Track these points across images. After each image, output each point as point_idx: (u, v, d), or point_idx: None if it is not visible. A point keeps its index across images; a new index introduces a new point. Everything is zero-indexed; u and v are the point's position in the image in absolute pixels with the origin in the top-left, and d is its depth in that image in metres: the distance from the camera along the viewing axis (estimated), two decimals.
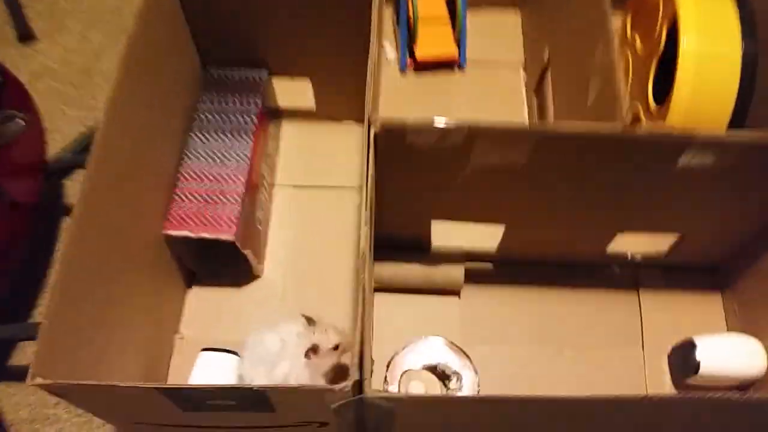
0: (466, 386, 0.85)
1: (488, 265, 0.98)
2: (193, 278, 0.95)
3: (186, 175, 0.87)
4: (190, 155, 0.88)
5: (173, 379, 0.86)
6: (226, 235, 0.83)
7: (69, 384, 0.53)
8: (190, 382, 0.80)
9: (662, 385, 0.89)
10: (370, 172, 0.65)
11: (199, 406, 0.60)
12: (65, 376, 0.54)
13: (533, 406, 0.59)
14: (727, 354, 0.84)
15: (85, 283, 0.63)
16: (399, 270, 0.92)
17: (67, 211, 1.02)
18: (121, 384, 0.53)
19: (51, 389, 0.54)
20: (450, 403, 0.62)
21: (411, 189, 0.79)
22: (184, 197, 0.85)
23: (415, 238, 0.92)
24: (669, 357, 0.90)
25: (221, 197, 0.85)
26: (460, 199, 0.80)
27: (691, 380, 0.85)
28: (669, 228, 0.87)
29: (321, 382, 0.76)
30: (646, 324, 0.93)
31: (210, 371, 0.80)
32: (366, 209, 0.61)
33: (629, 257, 0.95)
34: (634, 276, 0.97)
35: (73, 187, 1.05)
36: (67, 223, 0.58)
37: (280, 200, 1.02)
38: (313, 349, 0.74)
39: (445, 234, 0.93)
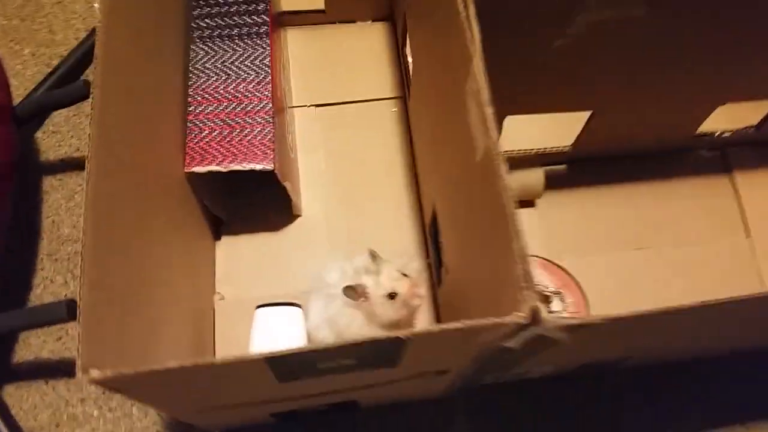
0: (572, 305, 0.73)
1: (563, 167, 0.84)
2: (220, 227, 0.78)
3: (198, 98, 0.69)
4: (198, 73, 0.70)
5: (223, 347, 0.71)
6: (264, 164, 0.66)
7: (138, 373, 0.38)
8: (254, 346, 0.65)
9: None
10: (475, 34, 0.48)
11: (304, 372, 0.45)
12: (116, 363, 0.39)
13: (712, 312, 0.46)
14: None
15: (118, 245, 0.47)
16: None
17: (46, 169, 0.83)
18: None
19: (110, 383, 0.39)
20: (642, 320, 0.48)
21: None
22: (201, 125, 0.68)
23: None
24: None
25: (247, 119, 0.68)
26: (547, 79, 0.66)
27: None
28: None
29: (375, 329, 0.62)
30: (747, 208, 0.82)
31: (276, 330, 0.65)
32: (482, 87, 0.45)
33: (717, 135, 0.82)
34: (724, 158, 0.85)
35: (48, 141, 0.85)
36: (86, 179, 0.40)
37: (301, 124, 0.85)
38: (391, 295, 0.60)
39: (515, 134, 0.79)
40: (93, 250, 0.41)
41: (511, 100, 0.69)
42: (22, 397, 0.70)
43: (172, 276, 0.60)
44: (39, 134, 0.85)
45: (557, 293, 0.73)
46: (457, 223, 0.57)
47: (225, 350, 0.71)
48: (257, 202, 0.77)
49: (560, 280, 0.73)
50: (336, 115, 0.86)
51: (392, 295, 0.60)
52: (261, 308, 0.67)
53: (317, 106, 0.86)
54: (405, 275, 0.61)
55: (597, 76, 0.66)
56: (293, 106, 0.85)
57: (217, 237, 0.78)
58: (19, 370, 0.73)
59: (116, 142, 0.49)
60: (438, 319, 0.73)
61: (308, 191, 0.81)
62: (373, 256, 0.62)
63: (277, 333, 0.65)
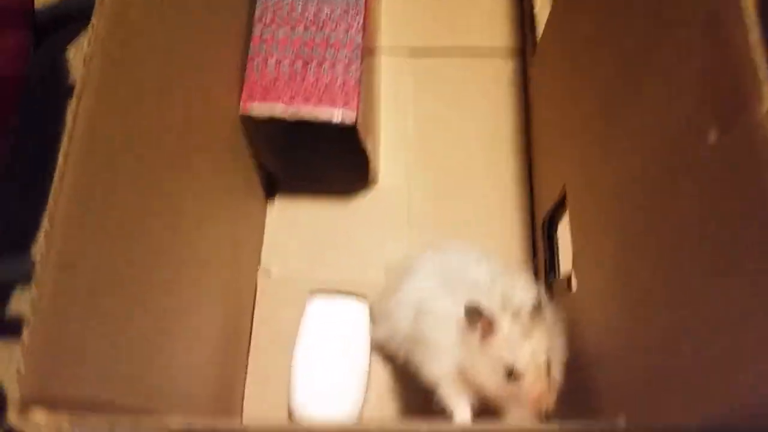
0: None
1: None
2: (274, 185, 0.63)
3: (270, 15, 0.53)
4: None
5: (262, 339, 0.57)
6: (344, 114, 0.50)
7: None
8: (301, 346, 0.51)
9: None
10: None
11: None
12: (84, 392, 0.24)
13: None
14: None
15: (111, 207, 0.32)
16: None
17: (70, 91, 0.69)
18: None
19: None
20: None
21: None
22: (269, 53, 0.52)
23: None
24: None
25: (329, 52, 0.52)
26: None
27: None
28: None
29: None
30: None
31: (332, 330, 0.50)
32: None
33: None
34: None
35: (79, 58, 0.71)
36: (73, 110, 0.23)
37: (389, 73, 0.68)
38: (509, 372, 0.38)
39: None
40: (68, 212, 0.26)
41: None
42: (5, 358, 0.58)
43: (202, 245, 0.45)
44: (70, 49, 0.71)
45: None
46: (626, 231, 0.38)
47: (264, 344, 0.57)
48: (325, 159, 0.62)
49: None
50: (434, 67, 0.68)
51: (511, 373, 0.38)
52: (316, 298, 0.52)
53: (411, 52, 0.69)
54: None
55: None
56: (381, 48, 0.68)
57: (269, 196, 0.63)
58: (9, 327, 0.60)
59: (134, 59, 0.33)
60: None
61: (389, 157, 0.64)
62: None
63: (333, 334, 0.50)
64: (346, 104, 0.50)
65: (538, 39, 0.59)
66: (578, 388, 0.39)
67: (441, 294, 0.43)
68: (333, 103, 0.50)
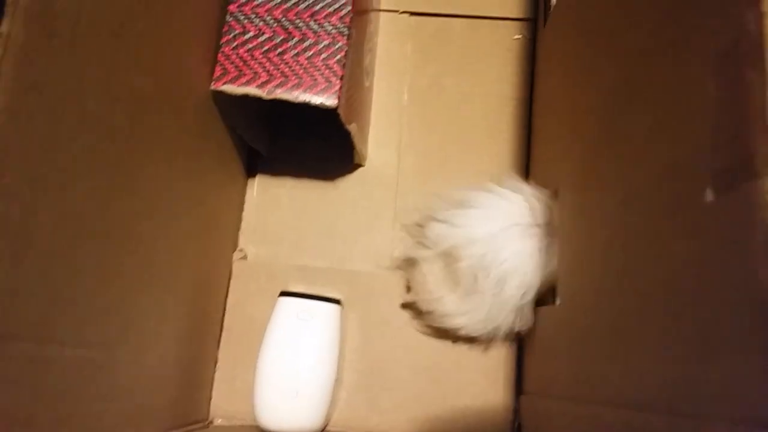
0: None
1: None
2: (256, 160, 0.59)
3: None
4: None
5: (233, 326, 0.54)
6: (325, 98, 0.45)
7: None
8: (266, 348, 0.48)
9: None
10: None
11: None
12: None
13: None
14: None
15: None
16: None
17: None
18: None
19: None
20: None
21: None
22: (246, 23, 0.47)
23: None
24: None
25: (312, 25, 0.47)
26: None
27: None
28: None
29: None
30: None
31: (298, 337, 0.47)
32: None
33: None
34: None
35: None
36: None
37: (386, 37, 0.62)
38: None
39: None
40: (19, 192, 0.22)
41: None
42: None
43: (169, 226, 0.41)
44: None
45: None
46: (607, 260, 0.35)
47: (236, 332, 0.54)
48: (309, 137, 0.57)
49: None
50: (435, 32, 0.62)
51: None
52: (285, 297, 0.49)
53: (412, 14, 0.62)
54: None
55: None
56: (379, 10, 0.62)
57: (250, 173, 0.59)
58: None
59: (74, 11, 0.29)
60: (518, 385, 0.52)
61: (379, 133, 0.60)
62: None
63: (298, 341, 0.47)
64: (328, 86, 0.45)
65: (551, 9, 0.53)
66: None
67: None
68: (314, 85, 0.45)
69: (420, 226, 0.50)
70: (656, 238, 0.26)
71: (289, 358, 0.46)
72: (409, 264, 0.51)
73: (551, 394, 0.42)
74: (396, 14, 0.62)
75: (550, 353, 0.44)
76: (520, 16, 0.61)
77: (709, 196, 0.22)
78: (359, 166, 0.58)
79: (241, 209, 0.58)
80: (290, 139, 0.58)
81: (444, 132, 0.59)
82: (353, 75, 0.49)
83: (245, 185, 0.58)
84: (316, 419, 0.46)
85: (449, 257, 0.45)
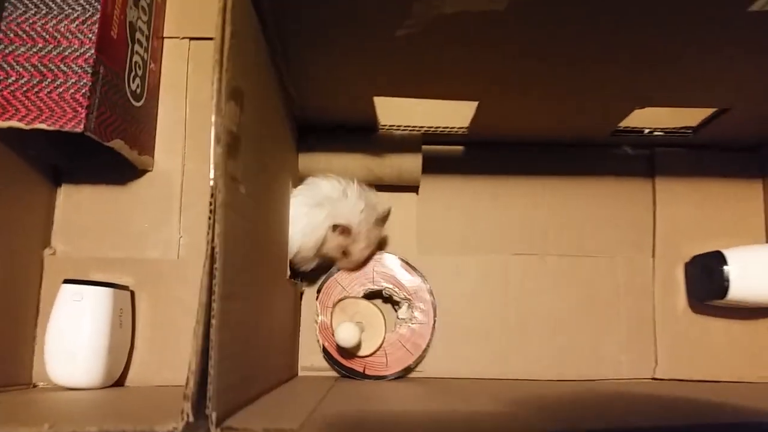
0: (420, 314, 0.66)
1: (457, 149, 0.73)
2: (61, 173, 0.71)
3: (11, 34, 0.59)
4: (15, 3, 0.60)
5: (48, 310, 0.67)
6: (73, 125, 0.58)
7: None
8: (51, 319, 0.61)
9: (674, 307, 0.70)
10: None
11: None
12: None
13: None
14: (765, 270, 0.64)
15: None
16: (334, 161, 0.68)
17: None
18: None
19: None
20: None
21: (347, 50, 0.52)
22: (9, 69, 0.58)
23: (357, 116, 0.66)
24: (687, 269, 0.69)
25: (62, 67, 0.59)
26: (400, 67, 0.54)
27: (715, 302, 0.65)
28: (710, 100, 0.62)
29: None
30: (660, 223, 0.71)
31: (79, 315, 0.60)
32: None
33: (646, 133, 0.70)
34: (650, 159, 0.73)
35: None
36: None
37: (171, 60, 0.74)
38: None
39: (397, 110, 0.68)
40: None
41: (370, 81, 0.59)
42: None
43: None
44: None
45: (407, 300, 0.66)
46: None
47: (48, 316, 0.67)
48: (95, 152, 0.69)
49: (412, 285, 0.66)
50: (210, 54, 0.74)
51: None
52: (66, 284, 0.61)
53: (191, 39, 0.74)
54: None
55: (471, 68, 0.54)
56: (165, 37, 0.74)
57: (56, 183, 0.71)
58: None
59: None
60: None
61: (166, 142, 0.72)
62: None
63: (72, 317, 0.60)
64: (75, 116, 0.57)
65: None
66: None
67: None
68: (63, 116, 0.57)
69: None
70: None
71: (67, 331, 0.59)
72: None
73: None
74: (178, 40, 0.74)
75: None
76: None
77: None
78: (146, 171, 0.71)
79: (51, 213, 0.70)
80: (86, 155, 0.70)
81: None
82: (109, 101, 0.61)
83: (53, 191, 0.70)
84: (93, 376, 0.60)
85: None
